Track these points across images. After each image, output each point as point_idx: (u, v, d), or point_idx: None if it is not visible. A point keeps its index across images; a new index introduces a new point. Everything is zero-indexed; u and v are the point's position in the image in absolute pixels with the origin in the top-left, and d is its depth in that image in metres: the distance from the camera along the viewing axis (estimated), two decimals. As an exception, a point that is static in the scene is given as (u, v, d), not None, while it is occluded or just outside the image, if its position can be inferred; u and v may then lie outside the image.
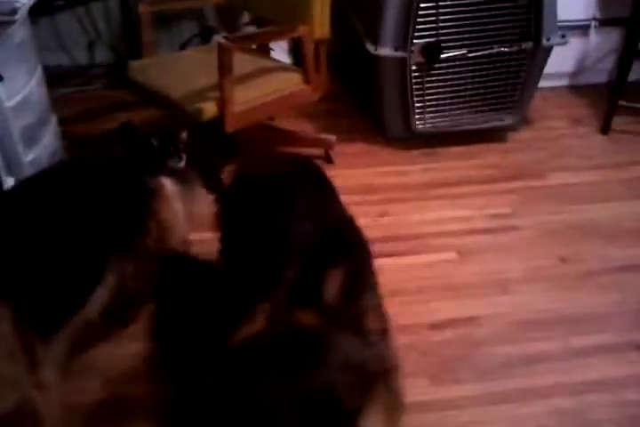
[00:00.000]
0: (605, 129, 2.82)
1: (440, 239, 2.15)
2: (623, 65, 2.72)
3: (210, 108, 2.10)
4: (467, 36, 2.45)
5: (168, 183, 1.71)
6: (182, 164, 1.84)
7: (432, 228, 2.20)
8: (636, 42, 2.67)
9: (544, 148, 2.71)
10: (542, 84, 2.99)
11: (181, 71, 2.38)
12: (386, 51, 2.45)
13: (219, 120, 2.13)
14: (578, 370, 1.69)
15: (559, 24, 2.88)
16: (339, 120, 2.82)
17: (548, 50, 2.59)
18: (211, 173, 2.25)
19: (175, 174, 1.79)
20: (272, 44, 2.68)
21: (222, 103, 2.10)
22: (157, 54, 2.53)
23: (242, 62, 2.20)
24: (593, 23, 3.09)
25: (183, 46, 3.07)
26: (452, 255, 2.08)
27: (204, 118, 2.10)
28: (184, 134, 1.91)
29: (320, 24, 2.23)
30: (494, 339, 1.78)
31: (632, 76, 3.09)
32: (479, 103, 2.63)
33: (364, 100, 2.89)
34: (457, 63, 2.52)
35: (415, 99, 2.54)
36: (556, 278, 2.01)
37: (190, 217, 1.77)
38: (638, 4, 2.62)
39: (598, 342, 1.78)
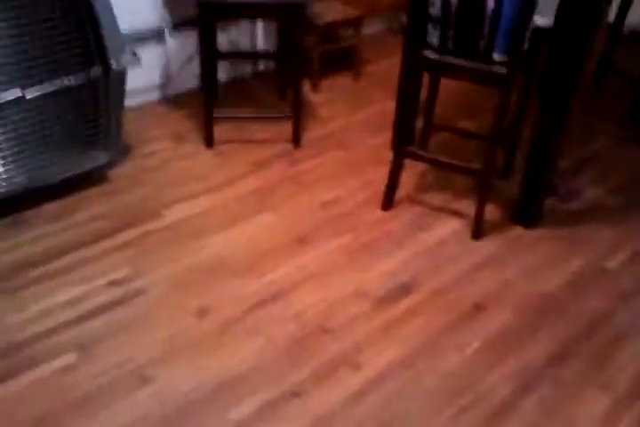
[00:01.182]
0: (210, 141, 2.66)
1: (54, 338, 1.75)
2: (205, 68, 2.54)
3: None
4: (16, 74, 2.01)
5: None
6: None
7: (41, 325, 1.78)
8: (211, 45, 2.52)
9: (152, 179, 2.44)
10: (130, 102, 2.70)
11: None
12: None
13: None
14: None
15: (130, 35, 2.59)
16: None
17: (122, 71, 2.28)
18: None
19: None
20: None
21: None
22: None
23: None
24: (166, 29, 2.87)
25: None
26: (72, 357, 1.70)
27: None
28: None
29: None
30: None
31: (221, 76, 2.98)
32: (62, 148, 2.23)
33: None
34: (16, 109, 2.06)
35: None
36: (195, 342, 1.77)
37: None
38: (201, 6, 2.43)
39: (257, 404, 1.61)
